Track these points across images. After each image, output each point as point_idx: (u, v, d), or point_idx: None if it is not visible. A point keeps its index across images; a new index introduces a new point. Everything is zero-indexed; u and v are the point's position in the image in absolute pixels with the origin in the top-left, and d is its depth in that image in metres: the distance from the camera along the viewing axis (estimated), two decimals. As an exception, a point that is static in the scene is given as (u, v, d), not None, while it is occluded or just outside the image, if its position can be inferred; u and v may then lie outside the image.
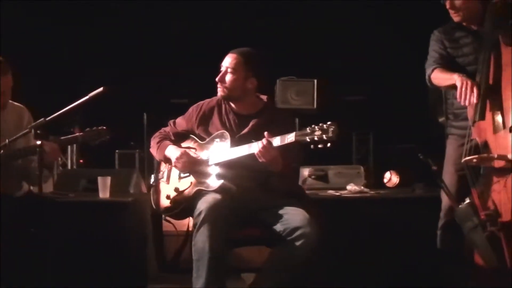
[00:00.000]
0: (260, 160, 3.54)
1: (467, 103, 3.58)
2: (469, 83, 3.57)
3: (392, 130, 6.20)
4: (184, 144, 3.95)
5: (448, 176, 3.89)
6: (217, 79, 3.82)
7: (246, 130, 3.78)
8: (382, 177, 5.10)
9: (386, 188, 4.99)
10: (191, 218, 3.74)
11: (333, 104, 5.88)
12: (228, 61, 3.81)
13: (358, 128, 6.08)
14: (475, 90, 3.54)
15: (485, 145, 3.61)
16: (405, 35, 6.03)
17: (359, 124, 6.10)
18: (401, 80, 6.11)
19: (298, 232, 3.49)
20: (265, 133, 3.53)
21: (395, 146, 6.14)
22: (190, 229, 3.80)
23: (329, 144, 3.32)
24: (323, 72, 5.70)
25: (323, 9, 6.42)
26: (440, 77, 3.83)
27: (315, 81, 5.35)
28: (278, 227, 3.57)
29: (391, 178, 5.05)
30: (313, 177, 4.97)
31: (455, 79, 3.64)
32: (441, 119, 4.27)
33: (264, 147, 3.50)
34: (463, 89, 3.57)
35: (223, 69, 3.81)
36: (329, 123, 3.34)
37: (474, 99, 3.54)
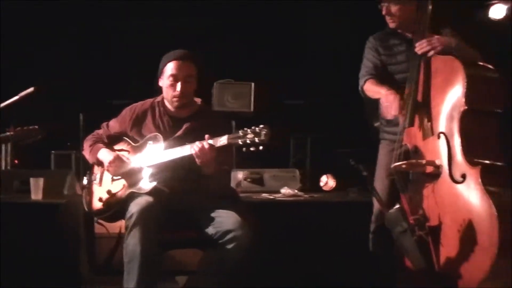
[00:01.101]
0: (197, 161, 3.54)
1: (388, 117, 3.68)
2: (391, 97, 3.67)
3: (330, 134, 6.24)
4: (117, 147, 3.92)
5: (380, 181, 3.94)
6: (181, 91, 3.74)
7: (179, 132, 3.77)
8: (319, 181, 5.14)
9: (321, 192, 5.01)
10: (123, 220, 3.71)
11: (271, 107, 5.90)
12: (186, 71, 3.76)
13: (296, 131, 6.10)
14: (395, 103, 3.63)
15: (415, 150, 3.68)
16: (343, 39, 6.08)
17: (297, 128, 6.12)
18: (340, 85, 6.16)
19: (229, 235, 3.50)
20: (206, 136, 3.53)
21: (333, 150, 6.18)
22: (123, 231, 3.78)
23: (261, 147, 3.35)
24: (261, 75, 5.70)
25: (262, 11, 6.44)
26: (371, 90, 3.91)
27: (253, 84, 5.34)
28: (210, 230, 3.57)
29: (327, 181, 5.08)
30: (248, 180, 4.97)
31: (382, 93, 3.74)
32: (376, 124, 4.32)
33: (202, 148, 3.50)
34: (385, 103, 3.68)
35: (180, 77, 3.74)
36: (261, 126, 3.36)
37: (393, 112, 3.64)
